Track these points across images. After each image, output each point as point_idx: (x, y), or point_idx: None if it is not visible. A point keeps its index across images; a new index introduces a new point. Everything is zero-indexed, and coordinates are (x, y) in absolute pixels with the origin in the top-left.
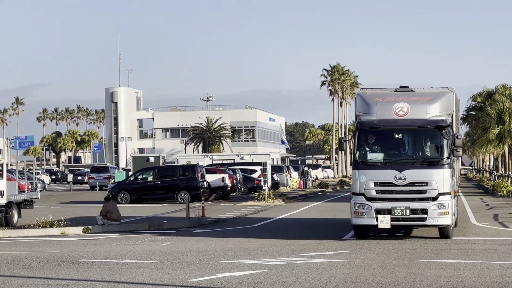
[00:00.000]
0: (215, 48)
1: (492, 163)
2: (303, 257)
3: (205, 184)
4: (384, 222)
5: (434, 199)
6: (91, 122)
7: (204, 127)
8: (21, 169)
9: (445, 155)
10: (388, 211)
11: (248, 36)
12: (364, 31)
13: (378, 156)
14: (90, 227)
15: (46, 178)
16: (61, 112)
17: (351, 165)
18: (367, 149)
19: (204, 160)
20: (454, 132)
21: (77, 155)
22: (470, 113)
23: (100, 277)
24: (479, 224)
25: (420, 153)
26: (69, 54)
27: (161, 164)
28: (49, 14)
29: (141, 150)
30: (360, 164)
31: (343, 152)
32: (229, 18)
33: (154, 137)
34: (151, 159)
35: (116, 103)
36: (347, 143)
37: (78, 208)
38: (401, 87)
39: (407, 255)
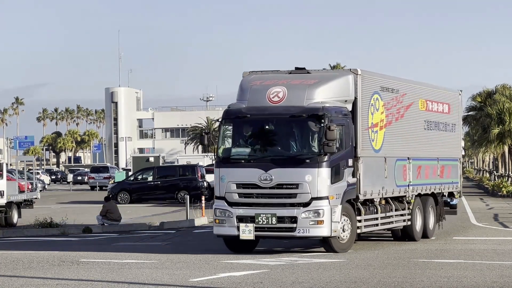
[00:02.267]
0: (215, 48)
1: (491, 163)
2: (303, 257)
3: (205, 184)
4: (247, 232)
5: (305, 205)
6: (91, 122)
7: (204, 127)
8: (21, 169)
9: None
10: (252, 219)
11: (248, 36)
12: (364, 30)
13: (243, 152)
14: (90, 227)
15: (46, 178)
16: (61, 112)
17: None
18: (233, 143)
19: (204, 160)
20: (348, 123)
21: (77, 155)
22: (470, 113)
23: (100, 277)
24: (479, 224)
25: (292, 149)
26: (69, 54)
27: (161, 164)
28: (49, 14)
29: (141, 150)
30: (222, 161)
31: None
32: (229, 18)
33: (154, 137)
34: (151, 159)
35: (116, 103)
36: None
37: (78, 208)
38: (296, 68)
39: (407, 255)
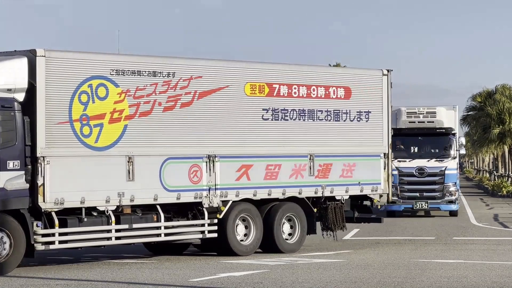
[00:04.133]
0: (215, 48)
1: (491, 163)
2: (303, 257)
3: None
4: None
5: None
6: None
7: None
8: None
9: None
10: None
11: (248, 36)
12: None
13: None
14: None
15: None
16: None
17: None
18: None
19: None
20: (10, 117)
21: None
22: (470, 113)
23: (99, 277)
24: (479, 224)
25: None
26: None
27: None
28: (49, 14)
29: None
30: None
31: None
32: (229, 18)
33: None
34: None
35: None
36: None
37: None
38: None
39: (407, 255)
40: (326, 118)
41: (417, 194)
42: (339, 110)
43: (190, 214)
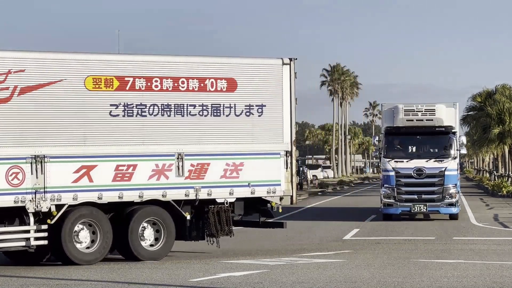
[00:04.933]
0: (215, 48)
1: (491, 163)
2: (303, 257)
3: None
4: None
5: None
6: None
7: None
8: None
9: None
10: None
11: (248, 36)
12: (364, 30)
13: None
14: None
15: None
16: None
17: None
18: None
19: None
20: None
21: None
22: (469, 113)
23: (99, 277)
24: (479, 224)
25: None
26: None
27: None
28: (48, 15)
29: None
30: None
31: (343, 152)
32: (228, 18)
33: None
34: None
35: None
36: None
37: None
38: None
39: (407, 255)
40: (201, 113)
41: (415, 196)
42: (220, 104)
43: (18, 219)
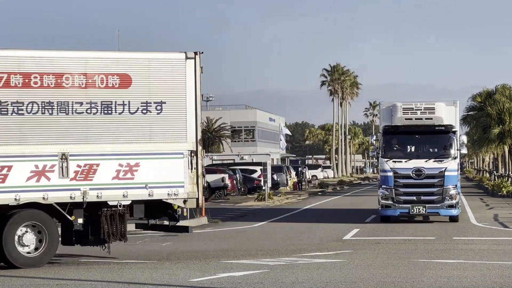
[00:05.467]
0: (215, 48)
1: (491, 163)
2: (303, 257)
3: (205, 184)
4: None
5: None
6: None
7: (204, 127)
8: None
9: None
10: None
11: (248, 36)
12: (364, 31)
13: None
14: None
15: None
16: None
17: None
18: None
19: (204, 160)
20: None
21: None
22: (469, 113)
23: (99, 277)
24: (479, 224)
25: None
26: None
27: None
28: (47, 15)
29: None
30: None
31: (343, 152)
32: (228, 19)
33: None
34: None
35: None
36: None
37: None
38: None
39: (407, 255)
40: (89, 111)
41: (414, 197)
42: (112, 102)
43: None
